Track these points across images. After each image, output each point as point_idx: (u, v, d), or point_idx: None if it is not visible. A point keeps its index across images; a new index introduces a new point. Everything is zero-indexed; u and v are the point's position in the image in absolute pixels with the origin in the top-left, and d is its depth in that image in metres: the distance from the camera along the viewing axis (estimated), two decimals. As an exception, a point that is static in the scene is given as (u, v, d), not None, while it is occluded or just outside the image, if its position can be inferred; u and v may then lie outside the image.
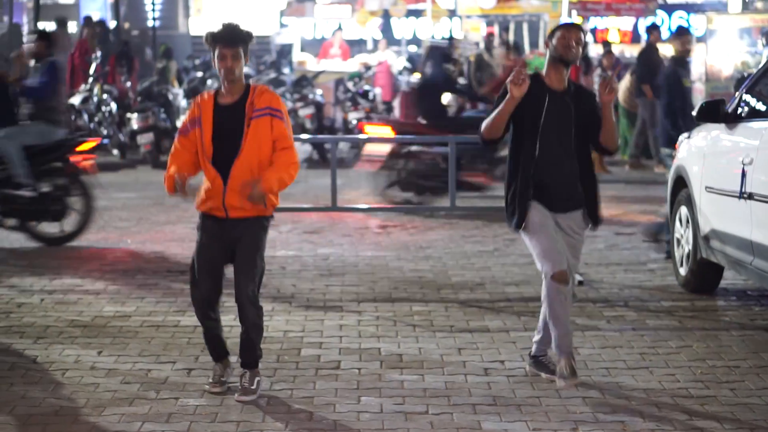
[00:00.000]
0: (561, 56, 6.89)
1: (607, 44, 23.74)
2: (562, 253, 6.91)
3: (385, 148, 14.42)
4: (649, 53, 19.13)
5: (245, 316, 6.79)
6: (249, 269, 6.76)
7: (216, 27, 6.75)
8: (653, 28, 20.24)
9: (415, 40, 32.45)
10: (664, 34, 32.02)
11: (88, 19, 25.36)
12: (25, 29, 27.74)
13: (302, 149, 21.15)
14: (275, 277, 10.18)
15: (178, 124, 19.66)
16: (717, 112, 8.99)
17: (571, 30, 6.97)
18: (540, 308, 7.12)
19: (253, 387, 6.78)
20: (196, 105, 6.84)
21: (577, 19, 25.49)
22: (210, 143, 6.72)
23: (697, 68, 24.22)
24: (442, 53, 16.36)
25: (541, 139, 6.87)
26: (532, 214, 6.92)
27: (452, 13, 29.34)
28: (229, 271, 6.83)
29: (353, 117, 20.08)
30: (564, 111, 6.91)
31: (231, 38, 6.69)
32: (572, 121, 6.92)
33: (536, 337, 7.28)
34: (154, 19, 30.40)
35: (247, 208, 6.73)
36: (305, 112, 20.42)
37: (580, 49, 6.94)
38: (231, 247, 6.81)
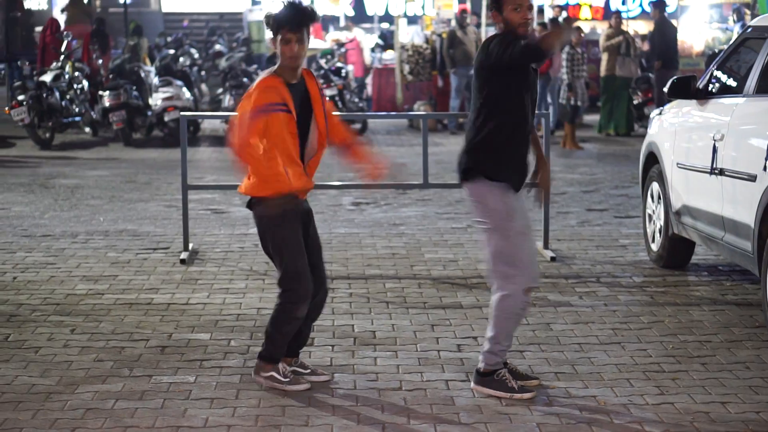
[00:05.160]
0: (518, 34, 6.11)
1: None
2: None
3: None
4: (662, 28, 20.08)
5: (323, 298, 6.64)
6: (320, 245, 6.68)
7: (277, 8, 6.21)
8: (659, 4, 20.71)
9: (388, 17, 32.34)
10: (636, 11, 32.11)
11: None
12: None
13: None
14: (248, 255, 10.18)
15: (150, 101, 19.59)
16: (688, 88, 9.02)
17: None
18: None
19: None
20: (272, 89, 6.22)
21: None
22: (296, 126, 6.31)
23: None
24: None
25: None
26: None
27: (425, -10, 29.30)
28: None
29: (326, 94, 20.03)
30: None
31: (297, 22, 6.17)
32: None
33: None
34: (125, -4, 30.18)
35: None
36: (278, 89, 20.36)
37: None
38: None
